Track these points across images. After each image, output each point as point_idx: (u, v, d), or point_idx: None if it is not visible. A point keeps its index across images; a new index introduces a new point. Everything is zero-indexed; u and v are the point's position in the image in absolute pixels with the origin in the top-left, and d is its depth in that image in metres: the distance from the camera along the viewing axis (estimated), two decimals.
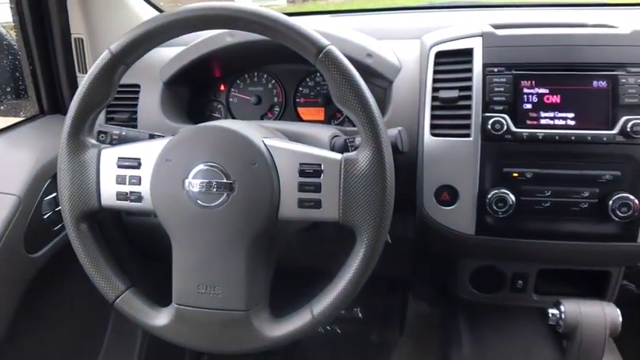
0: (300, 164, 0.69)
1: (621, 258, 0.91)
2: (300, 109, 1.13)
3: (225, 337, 0.73)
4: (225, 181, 0.69)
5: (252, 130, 0.72)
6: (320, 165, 0.69)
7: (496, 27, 0.93)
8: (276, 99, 1.14)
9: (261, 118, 1.15)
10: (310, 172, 0.69)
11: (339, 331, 1.69)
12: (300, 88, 1.13)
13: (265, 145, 0.70)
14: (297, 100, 1.13)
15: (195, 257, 0.72)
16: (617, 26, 0.90)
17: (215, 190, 0.69)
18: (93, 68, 0.73)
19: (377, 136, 0.67)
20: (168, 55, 1.08)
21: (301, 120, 1.13)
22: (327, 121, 1.13)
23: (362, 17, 1.32)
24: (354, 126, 1.07)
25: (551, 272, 0.99)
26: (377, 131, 0.67)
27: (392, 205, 0.68)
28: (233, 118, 1.16)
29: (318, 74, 1.11)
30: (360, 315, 1.71)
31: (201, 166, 0.70)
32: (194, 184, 0.70)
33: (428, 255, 1.06)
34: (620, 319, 0.83)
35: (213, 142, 0.71)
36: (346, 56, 0.97)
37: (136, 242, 1.22)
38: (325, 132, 0.87)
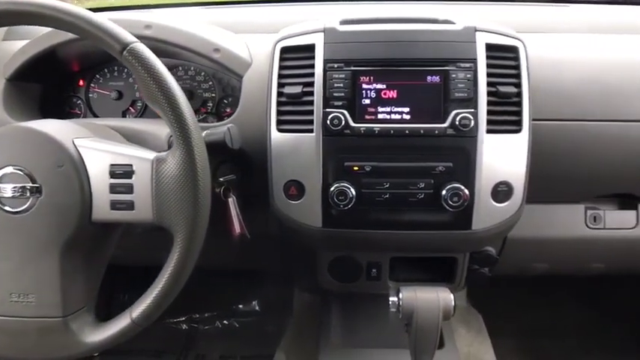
0: (111, 165, 0.68)
1: (460, 244, 0.96)
2: None
3: (41, 345, 0.70)
4: (31, 184, 0.66)
5: (63, 130, 0.70)
6: (131, 165, 0.67)
7: (344, 22, 0.94)
8: (137, 94, 1.11)
9: (123, 115, 1.11)
10: (121, 173, 0.67)
11: (236, 324, 1.70)
12: None
13: (75, 145, 0.68)
14: None
15: (5, 265, 0.69)
16: (456, 22, 0.94)
17: (22, 194, 0.66)
18: None
19: (187, 135, 0.66)
20: (13, 49, 1.02)
21: None
22: None
23: (235, 9, 1.30)
24: (219, 120, 1.06)
25: (405, 260, 1.03)
26: (186, 131, 0.66)
27: (206, 205, 0.68)
28: (93, 114, 1.12)
29: (180, 68, 1.09)
30: (257, 307, 1.72)
31: (6, 170, 0.67)
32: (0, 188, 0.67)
33: (290, 247, 1.08)
34: (453, 303, 0.87)
35: (18, 145, 0.68)
36: (192, 51, 0.95)
37: None
38: (164, 129, 0.85)
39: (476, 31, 0.89)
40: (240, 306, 1.72)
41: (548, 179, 0.97)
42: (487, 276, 1.08)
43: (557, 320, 1.66)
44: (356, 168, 0.88)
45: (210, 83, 1.09)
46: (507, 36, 0.91)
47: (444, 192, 0.87)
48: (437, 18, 0.99)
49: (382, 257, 1.01)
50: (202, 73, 1.09)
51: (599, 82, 0.96)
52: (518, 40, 0.91)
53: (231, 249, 1.09)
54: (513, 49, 0.90)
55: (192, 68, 1.09)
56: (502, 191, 0.89)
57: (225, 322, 1.70)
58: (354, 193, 0.87)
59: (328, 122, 0.86)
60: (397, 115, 0.88)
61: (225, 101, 1.08)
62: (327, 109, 0.87)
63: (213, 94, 1.09)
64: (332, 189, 0.87)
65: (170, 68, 1.08)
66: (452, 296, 0.88)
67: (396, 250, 0.99)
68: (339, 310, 1.20)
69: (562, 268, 1.14)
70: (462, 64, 0.87)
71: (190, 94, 1.09)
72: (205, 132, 0.82)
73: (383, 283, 1.03)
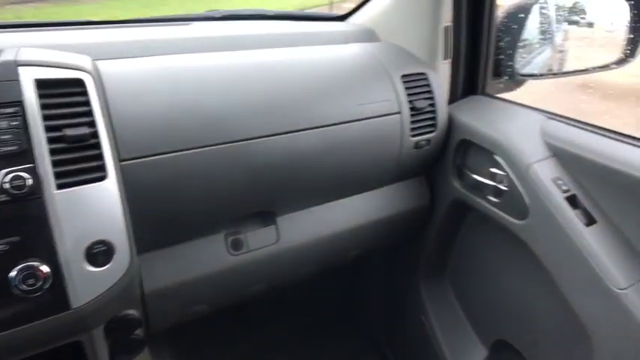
0: None
1: (70, 329, 0.76)
2: None
3: None
4: None
5: None
6: None
7: None
8: None
9: None
10: None
11: None
12: None
13: None
14: None
15: None
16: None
17: None
18: None
19: None
20: None
21: None
22: None
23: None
24: None
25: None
26: None
27: None
28: None
29: None
30: None
31: None
32: None
33: None
34: None
35: None
36: None
37: None
38: None
39: (18, 65, 0.71)
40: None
41: (169, 218, 0.86)
42: (143, 339, 0.92)
43: (269, 336, 1.64)
44: None
45: None
46: (68, 68, 0.75)
47: (13, 274, 0.66)
48: None
49: None
50: None
51: (194, 107, 0.88)
52: (85, 71, 0.76)
53: None
54: (78, 83, 0.75)
55: None
56: (100, 252, 0.73)
57: None
58: None
59: None
60: None
61: None
62: None
63: None
64: None
65: None
66: None
67: None
68: None
69: (222, 302, 1.07)
70: (4, 110, 0.68)
71: None
72: None
73: None
